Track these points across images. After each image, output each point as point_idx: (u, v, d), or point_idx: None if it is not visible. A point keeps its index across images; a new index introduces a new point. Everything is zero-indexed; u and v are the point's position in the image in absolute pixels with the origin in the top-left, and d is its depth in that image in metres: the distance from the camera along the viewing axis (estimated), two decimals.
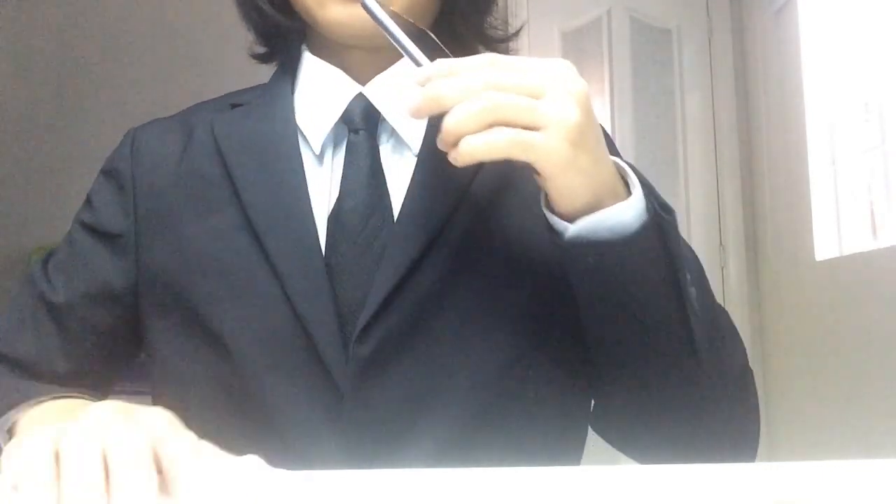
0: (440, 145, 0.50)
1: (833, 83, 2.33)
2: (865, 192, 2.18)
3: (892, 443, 1.90)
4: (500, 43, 0.72)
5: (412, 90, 0.52)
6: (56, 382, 0.66)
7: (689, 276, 0.54)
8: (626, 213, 0.52)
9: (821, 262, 2.36)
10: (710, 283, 0.63)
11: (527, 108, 0.49)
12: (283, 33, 0.70)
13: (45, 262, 0.71)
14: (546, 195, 0.54)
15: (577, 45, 2.81)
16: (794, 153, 2.50)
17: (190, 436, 0.40)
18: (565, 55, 2.78)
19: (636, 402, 0.60)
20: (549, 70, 0.51)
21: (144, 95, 2.73)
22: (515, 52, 0.74)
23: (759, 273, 2.75)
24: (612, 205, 0.52)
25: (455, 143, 0.49)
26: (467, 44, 0.70)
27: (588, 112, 0.51)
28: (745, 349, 0.65)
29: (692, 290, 0.55)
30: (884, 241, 2.08)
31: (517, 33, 0.73)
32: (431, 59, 0.53)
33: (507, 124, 0.48)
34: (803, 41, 2.47)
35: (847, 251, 2.24)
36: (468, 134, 0.48)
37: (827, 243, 2.35)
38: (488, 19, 0.71)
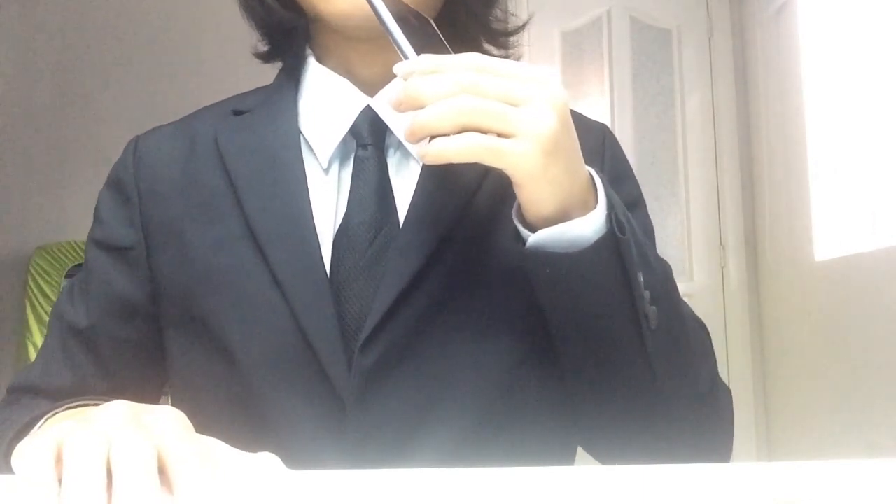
0: (405, 136, 0.50)
1: (833, 83, 2.33)
2: (865, 192, 2.18)
3: (891, 443, 1.91)
4: (503, 37, 0.71)
5: (397, 83, 0.51)
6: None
7: (648, 295, 0.54)
8: (586, 228, 0.52)
9: (821, 262, 2.36)
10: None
11: (501, 115, 0.48)
12: (286, 30, 0.69)
13: (71, 289, 0.71)
14: (518, 203, 0.54)
15: (577, 45, 2.81)
16: (794, 153, 2.50)
17: (198, 438, 0.40)
18: (565, 55, 2.78)
19: (598, 411, 0.60)
20: (530, 77, 0.50)
21: (145, 95, 2.73)
22: (519, 48, 0.73)
23: (759, 273, 2.75)
24: (580, 216, 0.52)
25: (421, 139, 0.49)
26: (471, 36, 0.69)
27: (565, 122, 0.50)
28: (715, 364, 0.64)
29: (652, 309, 0.54)
30: (884, 241, 2.08)
31: (522, 27, 0.72)
32: (430, 49, 0.53)
33: (481, 129, 0.48)
34: (803, 41, 2.47)
35: (847, 251, 2.24)
36: (438, 133, 0.49)
37: (827, 243, 2.36)
38: (493, 12, 0.70)
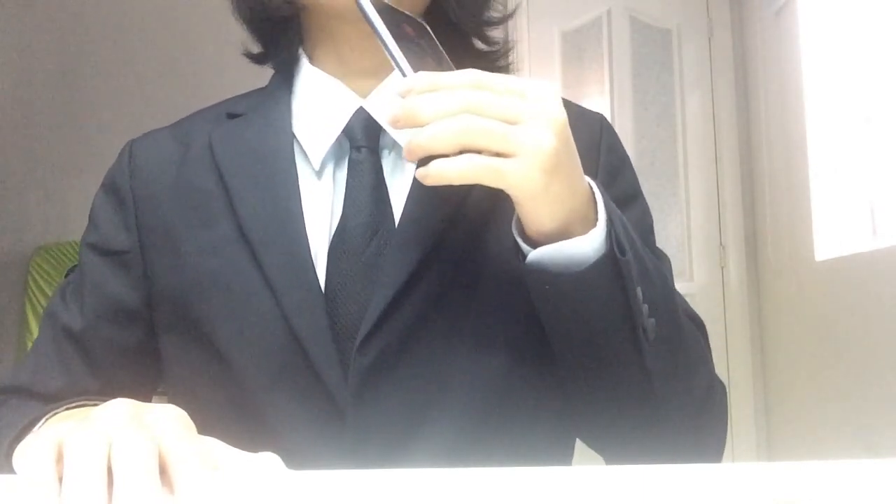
0: (406, 155, 0.50)
1: (833, 83, 2.33)
2: (865, 192, 2.18)
3: (891, 443, 1.91)
4: (494, 26, 0.71)
5: (394, 100, 0.51)
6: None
7: (646, 308, 0.54)
8: (586, 246, 0.52)
9: (821, 262, 2.36)
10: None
11: (501, 135, 0.48)
12: (276, 25, 0.69)
13: (63, 291, 0.71)
14: (518, 216, 0.54)
15: (577, 45, 2.82)
16: (794, 153, 2.50)
17: (199, 438, 0.40)
18: (565, 55, 2.78)
19: (596, 416, 0.61)
20: (529, 94, 0.50)
21: (145, 95, 2.73)
22: (513, 45, 0.73)
23: (759, 273, 2.75)
24: (581, 232, 0.52)
25: (420, 158, 0.49)
26: (461, 33, 0.69)
27: (565, 140, 0.50)
28: (712, 367, 0.64)
29: (650, 322, 0.54)
30: (884, 241, 2.08)
31: (512, 15, 0.72)
32: (427, 57, 0.53)
33: (480, 149, 0.48)
34: (803, 41, 2.47)
35: (847, 251, 2.24)
36: (438, 153, 0.48)
37: (827, 243, 2.36)
38: (484, 11, 0.70)
